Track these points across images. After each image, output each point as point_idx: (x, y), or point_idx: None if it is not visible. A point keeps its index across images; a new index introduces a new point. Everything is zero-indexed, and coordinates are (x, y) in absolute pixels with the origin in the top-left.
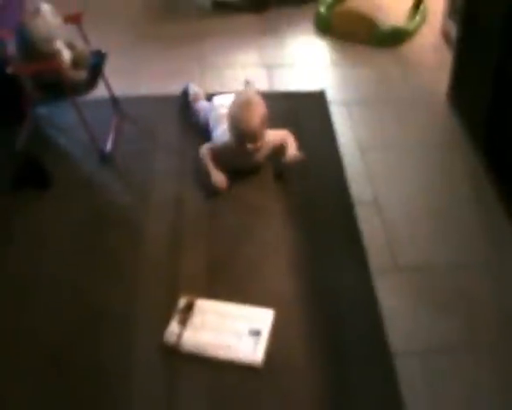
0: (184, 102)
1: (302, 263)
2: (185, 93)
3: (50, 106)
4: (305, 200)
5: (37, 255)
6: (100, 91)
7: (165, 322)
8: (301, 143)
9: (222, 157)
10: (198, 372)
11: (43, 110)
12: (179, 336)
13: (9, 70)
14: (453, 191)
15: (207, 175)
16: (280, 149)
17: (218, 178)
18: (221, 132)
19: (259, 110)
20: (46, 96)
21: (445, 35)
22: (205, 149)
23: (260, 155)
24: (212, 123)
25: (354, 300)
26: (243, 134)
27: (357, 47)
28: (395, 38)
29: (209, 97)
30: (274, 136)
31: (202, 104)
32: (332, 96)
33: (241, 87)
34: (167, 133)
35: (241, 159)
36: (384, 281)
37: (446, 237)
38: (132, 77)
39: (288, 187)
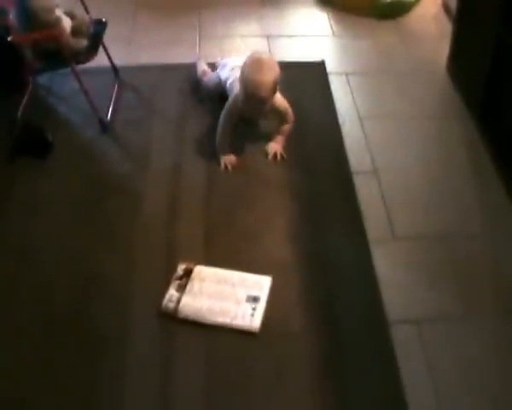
0: (194, 78)
1: (300, 232)
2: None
3: (51, 74)
4: (304, 169)
5: (35, 223)
6: (100, 60)
7: (164, 288)
8: (301, 112)
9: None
10: (195, 338)
11: (43, 79)
12: (177, 302)
13: (10, 39)
14: (451, 161)
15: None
16: (282, 113)
17: (227, 159)
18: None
19: (271, 74)
20: (46, 64)
21: (446, 6)
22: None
23: (267, 107)
24: (228, 84)
25: (351, 268)
26: (252, 96)
27: (357, 18)
28: (395, 9)
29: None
30: (281, 100)
31: (212, 74)
32: (332, 66)
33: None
34: (167, 102)
35: (246, 111)
36: (381, 250)
37: (444, 208)
38: (132, 46)
39: (287, 156)
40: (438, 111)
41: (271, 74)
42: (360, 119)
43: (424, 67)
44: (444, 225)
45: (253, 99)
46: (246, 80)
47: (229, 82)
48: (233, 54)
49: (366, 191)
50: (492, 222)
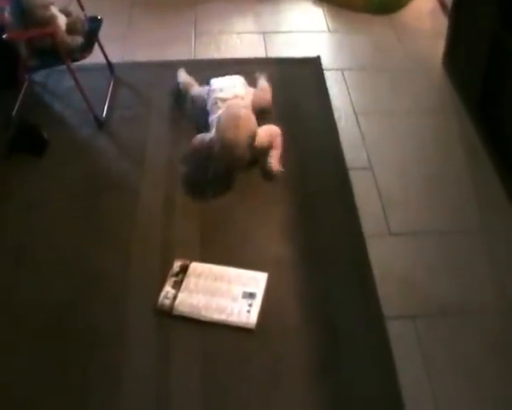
0: (178, 93)
1: (296, 228)
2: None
3: (46, 72)
4: (300, 165)
5: (32, 220)
6: (95, 57)
7: (160, 285)
8: (297, 108)
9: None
10: (192, 335)
11: (39, 76)
12: (173, 298)
13: (5, 37)
14: (448, 157)
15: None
16: (268, 148)
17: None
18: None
19: (246, 131)
20: (42, 62)
21: (441, 1)
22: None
23: (245, 161)
24: (209, 106)
25: (347, 264)
26: (228, 154)
27: (353, 14)
28: (391, 4)
29: (207, 81)
30: (262, 138)
31: (198, 90)
32: (328, 62)
33: (237, 54)
34: (162, 99)
35: (221, 164)
36: (377, 246)
37: (440, 203)
38: (128, 43)
39: (283, 153)
40: (434, 107)
41: (247, 131)
42: (356, 114)
43: (420, 63)
44: (440, 220)
45: (230, 156)
46: (221, 138)
47: (210, 103)
48: (229, 51)
49: (362, 187)
50: (489, 217)
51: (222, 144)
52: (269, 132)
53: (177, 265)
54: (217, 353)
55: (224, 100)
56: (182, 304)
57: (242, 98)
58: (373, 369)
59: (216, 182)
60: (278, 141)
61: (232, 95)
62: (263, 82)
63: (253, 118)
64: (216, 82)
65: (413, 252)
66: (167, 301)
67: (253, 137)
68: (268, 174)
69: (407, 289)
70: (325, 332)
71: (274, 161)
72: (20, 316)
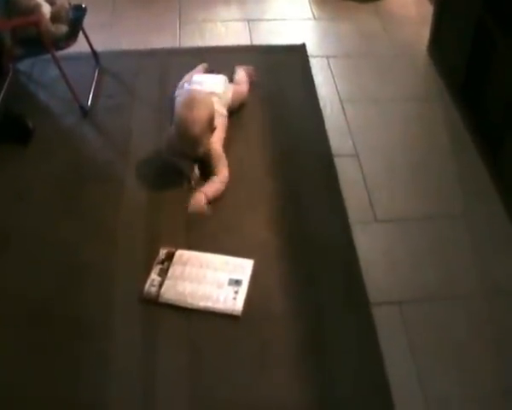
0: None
1: (282, 215)
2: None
3: (31, 61)
4: (285, 153)
5: (17, 210)
6: (80, 46)
7: (146, 274)
8: (282, 95)
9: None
10: (178, 322)
11: (23, 65)
12: (159, 286)
13: None
14: (432, 144)
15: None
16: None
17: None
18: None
19: (204, 112)
20: (26, 51)
21: None
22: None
23: (200, 149)
24: (177, 92)
25: (333, 250)
26: (184, 134)
27: (338, 1)
28: None
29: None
30: (215, 148)
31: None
32: (313, 50)
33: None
34: (148, 88)
35: (179, 150)
36: (363, 233)
37: (425, 189)
38: (112, 31)
39: (268, 140)
40: (419, 93)
41: (204, 112)
42: (341, 102)
43: (405, 50)
44: (426, 206)
45: (186, 137)
46: (178, 118)
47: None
48: (214, 39)
49: (348, 174)
50: (474, 202)
51: (177, 127)
52: (222, 157)
53: (162, 253)
54: (203, 340)
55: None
56: (168, 292)
57: (220, 97)
58: (358, 354)
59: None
60: (217, 183)
61: (209, 91)
62: (239, 75)
63: (211, 101)
64: (197, 77)
65: (398, 238)
66: (153, 289)
67: (210, 119)
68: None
69: (392, 275)
70: (311, 318)
71: (199, 199)
72: (6, 306)
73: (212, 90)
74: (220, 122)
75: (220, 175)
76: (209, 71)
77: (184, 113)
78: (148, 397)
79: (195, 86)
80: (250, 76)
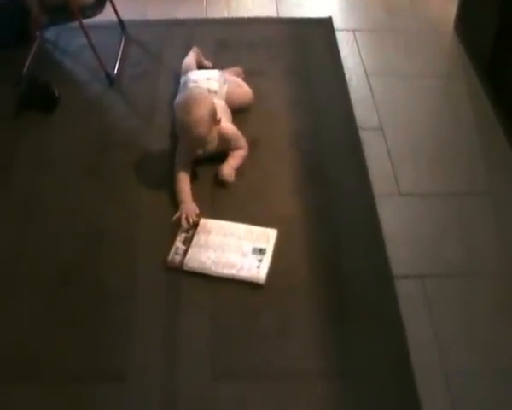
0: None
1: (306, 186)
2: None
3: (58, 29)
4: (310, 125)
5: (40, 178)
6: (107, 15)
7: (170, 242)
8: (307, 68)
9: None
10: (201, 290)
11: (50, 33)
12: (183, 254)
13: None
14: (458, 120)
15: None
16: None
17: (188, 210)
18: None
19: (203, 109)
20: (53, 19)
21: None
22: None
23: (209, 140)
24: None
25: (357, 223)
26: (189, 136)
27: None
28: None
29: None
30: (226, 128)
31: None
32: (339, 23)
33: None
34: (173, 57)
35: (193, 150)
36: (387, 206)
37: (450, 165)
38: (139, 1)
39: (293, 111)
40: (445, 70)
41: (203, 109)
42: (367, 75)
43: (432, 26)
44: (449, 182)
45: (191, 139)
46: (179, 123)
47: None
48: (240, 10)
49: (372, 147)
50: (498, 181)
51: (180, 127)
52: (236, 131)
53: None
54: (226, 308)
55: None
56: (192, 259)
57: (216, 93)
58: (380, 326)
59: None
60: (240, 154)
61: (205, 88)
62: (233, 79)
63: (206, 95)
64: (193, 74)
65: (422, 212)
66: (177, 257)
67: (211, 113)
68: (218, 181)
69: (416, 250)
70: (333, 290)
71: (227, 169)
72: (28, 274)
73: (207, 86)
74: (223, 113)
75: (242, 147)
76: (200, 58)
77: (183, 117)
78: (169, 363)
79: (191, 85)
80: (239, 75)
